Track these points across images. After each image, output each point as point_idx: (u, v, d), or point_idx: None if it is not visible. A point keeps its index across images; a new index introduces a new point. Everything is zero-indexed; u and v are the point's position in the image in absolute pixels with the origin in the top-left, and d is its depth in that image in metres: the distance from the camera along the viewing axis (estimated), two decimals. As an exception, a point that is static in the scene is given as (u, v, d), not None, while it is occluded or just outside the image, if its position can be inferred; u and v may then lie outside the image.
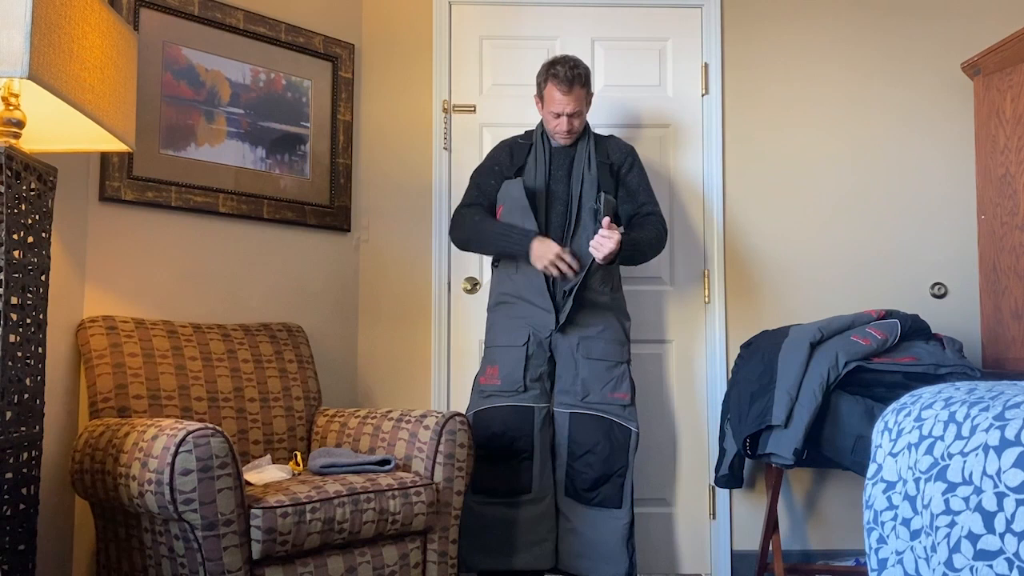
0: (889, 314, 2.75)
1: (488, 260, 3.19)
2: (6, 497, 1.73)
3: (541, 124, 2.84)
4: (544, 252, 2.60)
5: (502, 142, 2.89)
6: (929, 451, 1.21)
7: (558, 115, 2.71)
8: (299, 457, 2.52)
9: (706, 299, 3.20)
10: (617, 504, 2.65)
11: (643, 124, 3.25)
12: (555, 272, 2.61)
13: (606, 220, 2.55)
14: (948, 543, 1.13)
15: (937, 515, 1.15)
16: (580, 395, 2.68)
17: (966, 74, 3.18)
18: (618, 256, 2.60)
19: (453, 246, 3.22)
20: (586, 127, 2.82)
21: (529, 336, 2.70)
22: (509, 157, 2.81)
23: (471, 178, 2.86)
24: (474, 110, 3.25)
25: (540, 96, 2.77)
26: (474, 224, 2.73)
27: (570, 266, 2.61)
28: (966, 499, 1.11)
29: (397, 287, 3.24)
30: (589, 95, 2.77)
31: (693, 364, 3.21)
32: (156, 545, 2.01)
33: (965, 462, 1.13)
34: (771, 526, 2.86)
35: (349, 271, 3.20)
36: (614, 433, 2.67)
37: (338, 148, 3.15)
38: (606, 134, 2.92)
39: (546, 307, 2.69)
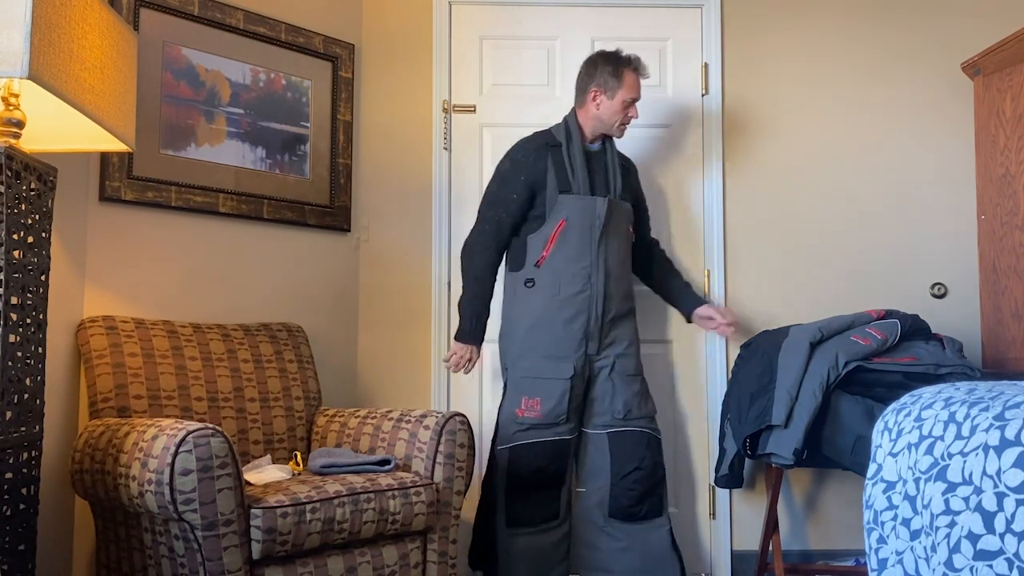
0: (889, 314, 2.75)
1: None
2: (6, 497, 1.73)
3: (570, 121, 2.77)
4: (456, 358, 2.71)
5: (527, 145, 2.74)
6: (929, 451, 1.21)
7: (633, 102, 2.74)
8: (299, 457, 2.52)
9: (706, 299, 3.20)
10: (659, 513, 2.70)
11: (643, 124, 3.24)
12: (451, 366, 2.73)
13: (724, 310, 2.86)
14: (948, 543, 1.13)
15: (937, 515, 1.15)
16: (622, 414, 2.68)
17: (966, 74, 3.18)
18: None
19: (452, 245, 3.22)
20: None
21: (574, 368, 2.64)
22: (544, 161, 2.69)
23: (491, 191, 2.73)
24: (474, 110, 3.25)
25: (605, 88, 2.71)
26: (472, 268, 2.70)
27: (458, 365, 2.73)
28: (966, 499, 1.11)
29: (397, 287, 3.24)
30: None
31: (693, 364, 3.21)
32: (156, 545, 2.01)
33: (965, 462, 1.13)
34: (771, 526, 2.85)
35: (349, 271, 3.20)
36: (652, 445, 2.70)
37: (338, 148, 3.15)
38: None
39: (584, 332, 2.66)
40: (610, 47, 2.84)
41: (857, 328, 2.68)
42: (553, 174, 2.68)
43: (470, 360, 2.72)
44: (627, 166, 2.90)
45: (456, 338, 2.72)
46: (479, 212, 2.74)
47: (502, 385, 2.77)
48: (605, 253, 2.69)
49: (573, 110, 2.80)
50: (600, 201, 2.68)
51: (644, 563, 2.65)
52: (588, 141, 2.78)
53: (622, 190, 2.78)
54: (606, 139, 2.81)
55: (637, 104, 2.78)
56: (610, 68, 2.72)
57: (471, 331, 2.69)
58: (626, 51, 2.78)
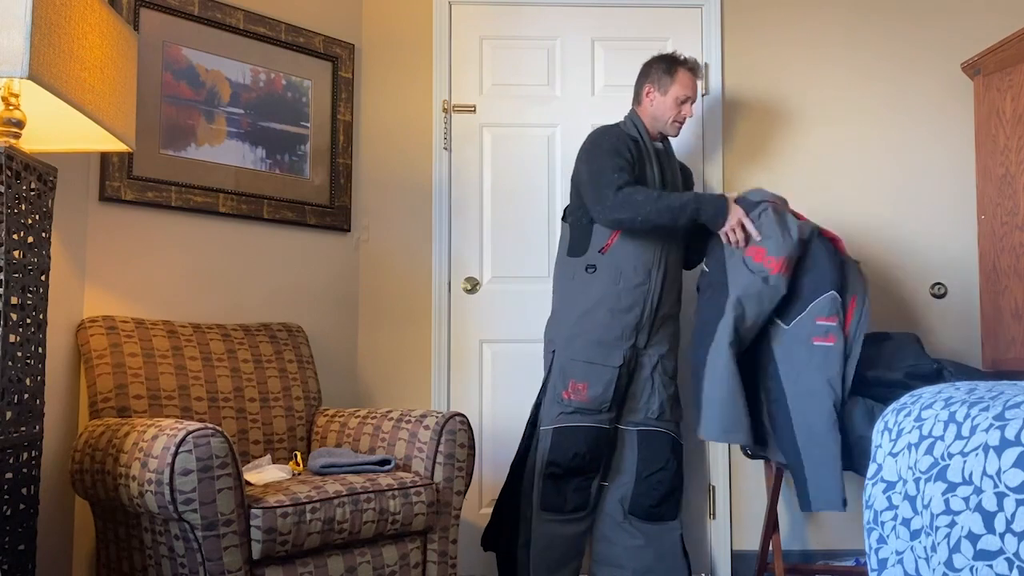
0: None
1: (488, 259, 3.20)
2: (6, 497, 1.73)
3: (635, 121, 2.80)
4: (734, 219, 2.57)
5: (615, 129, 2.75)
6: (929, 451, 1.21)
7: (686, 100, 2.77)
8: (299, 457, 2.52)
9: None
10: (674, 516, 2.73)
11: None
12: (733, 238, 2.56)
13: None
14: (948, 543, 1.13)
15: (937, 515, 1.15)
16: (656, 414, 2.72)
17: (966, 74, 3.18)
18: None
19: (452, 245, 3.22)
20: None
21: (624, 357, 2.67)
22: (629, 151, 2.69)
23: (606, 160, 2.64)
24: (474, 110, 3.25)
25: (658, 85, 2.77)
26: (654, 199, 2.56)
27: (746, 233, 2.57)
28: (966, 499, 1.11)
29: (397, 287, 3.24)
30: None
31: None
32: (156, 545, 2.01)
33: (965, 462, 1.13)
34: (771, 526, 2.85)
35: (349, 271, 3.20)
36: (676, 449, 2.75)
37: (338, 148, 3.15)
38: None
39: (637, 324, 2.69)
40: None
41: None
42: (636, 164, 2.71)
43: (740, 218, 2.58)
44: (685, 170, 2.96)
45: (716, 212, 2.58)
46: (602, 180, 2.61)
47: (546, 371, 2.76)
48: (667, 250, 2.73)
49: (632, 110, 2.85)
50: None
51: (657, 563, 2.68)
52: (652, 139, 2.83)
53: (684, 187, 2.86)
54: (664, 140, 2.87)
55: (693, 105, 2.82)
56: (664, 66, 2.79)
57: (713, 196, 2.62)
58: (686, 55, 2.84)
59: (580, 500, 2.67)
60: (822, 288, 2.51)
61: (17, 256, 1.74)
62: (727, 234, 2.58)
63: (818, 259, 2.55)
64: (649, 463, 2.70)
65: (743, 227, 2.56)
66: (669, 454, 2.72)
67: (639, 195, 2.58)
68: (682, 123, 2.83)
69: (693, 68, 2.81)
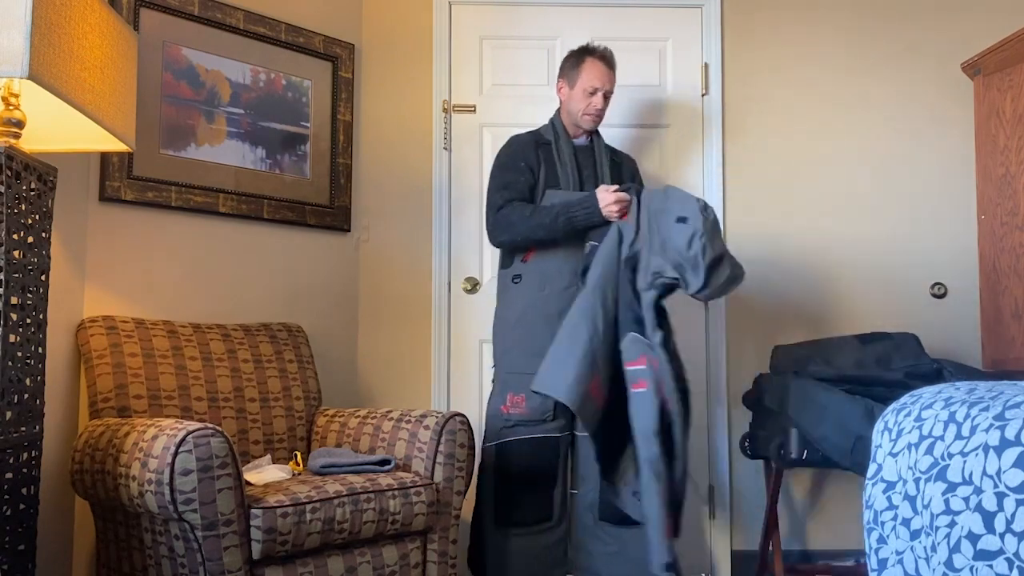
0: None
1: (488, 259, 3.20)
2: (6, 497, 1.73)
3: (555, 121, 2.76)
4: (606, 198, 2.51)
5: (519, 138, 2.74)
6: (929, 451, 1.21)
7: (594, 91, 2.67)
8: (299, 457, 2.52)
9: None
10: None
11: (643, 124, 3.25)
12: (617, 212, 2.50)
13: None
14: (948, 543, 1.13)
15: (937, 515, 1.15)
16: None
17: (966, 74, 3.18)
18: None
19: (452, 245, 3.22)
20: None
21: None
22: (535, 155, 2.68)
23: (496, 179, 2.69)
24: (474, 110, 3.25)
25: (567, 78, 2.71)
26: (527, 218, 2.56)
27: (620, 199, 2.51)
28: (966, 499, 1.11)
29: (397, 287, 3.24)
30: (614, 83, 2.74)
31: (693, 364, 3.20)
32: (156, 545, 2.01)
33: (965, 462, 1.13)
34: (771, 526, 2.85)
35: (349, 271, 3.20)
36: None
37: (338, 148, 3.15)
38: (605, 136, 2.90)
39: None
40: (610, 47, 2.83)
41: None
42: (543, 170, 2.67)
43: (612, 192, 2.53)
44: (619, 160, 2.85)
45: (589, 211, 2.53)
46: (489, 202, 2.66)
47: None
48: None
49: (557, 110, 2.80)
50: (560, 195, 2.62)
51: (634, 569, 2.53)
52: (573, 137, 2.76)
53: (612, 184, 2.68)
54: (593, 135, 2.78)
55: (605, 95, 2.68)
56: (573, 59, 2.72)
57: (583, 196, 2.56)
58: (598, 43, 2.73)
59: (543, 512, 2.58)
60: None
61: (17, 256, 1.74)
62: (615, 214, 2.50)
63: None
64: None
65: (616, 198, 2.50)
66: None
67: (513, 215, 2.58)
68: (595, 115, 2.70)
69: (604, 57, 2.68)
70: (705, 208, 2.43)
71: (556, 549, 2.61)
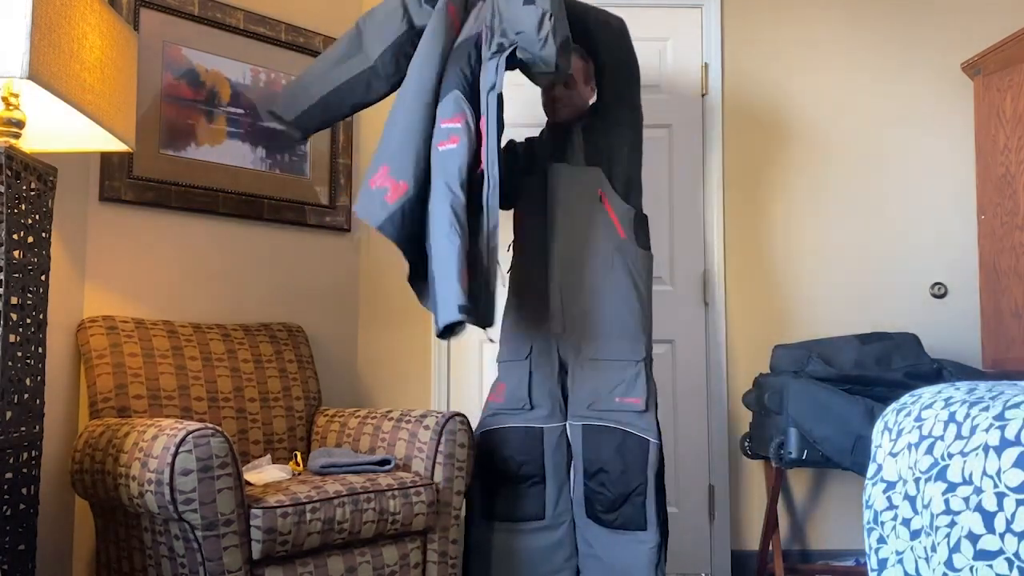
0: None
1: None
2: (6, 497, 1.73)
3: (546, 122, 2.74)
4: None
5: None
6: (929, 451, 1.21)
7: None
8: (299, 457, 2.52)
9: (706, 299, 3.20)
10: (641, 526, 2.35)
11: (643, 124, 3.24)
12: None
13: None
14: (948, 543, 1.13)
15: (937, 515, 1.15)
16: (587, 402, 2.42)
17: (966, 74, 3.18)
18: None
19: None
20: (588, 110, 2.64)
21: (531, 347, 2.50)
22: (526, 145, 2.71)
23: None
24: (474, 110, 3.25)
25: None
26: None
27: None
28: (966, 499, 1.11)
29: (397, 287, 3.23)
30: (587, 67, 2.60)
31: (693, 364, 3.21)
32: (156, 545, 2.01)
33: (965, 462, 1.13)
34: (771, 526, 2.86)
35: (349, 271, 3.20)
36: (627, 446, 2.37)
37: (338, 148, 3.15)
38: None
39: (546, 305, 2.48)
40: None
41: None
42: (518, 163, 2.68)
43: None
44: (594, 107, 2.61)
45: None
46: None
47: None
48: (534, 228, 2.56)
49: None
50: (552, 168, 2.52)
51: None
52: (558, 126, 2.67)
53: (587, 150, 2.53)
54: (574, 124, 2.62)
55: (567, 86, 2.56)
56: None
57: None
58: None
59: (532, 508, 2.45)
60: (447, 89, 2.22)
61: (17, 256, 1.74)
62: None
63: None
64: (590, 462, 2.40)
65: None
66: (612, 452, 2.37)
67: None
68: (558, 102, 2.59)
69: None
70: None
71: (555, 553, 2.45)
